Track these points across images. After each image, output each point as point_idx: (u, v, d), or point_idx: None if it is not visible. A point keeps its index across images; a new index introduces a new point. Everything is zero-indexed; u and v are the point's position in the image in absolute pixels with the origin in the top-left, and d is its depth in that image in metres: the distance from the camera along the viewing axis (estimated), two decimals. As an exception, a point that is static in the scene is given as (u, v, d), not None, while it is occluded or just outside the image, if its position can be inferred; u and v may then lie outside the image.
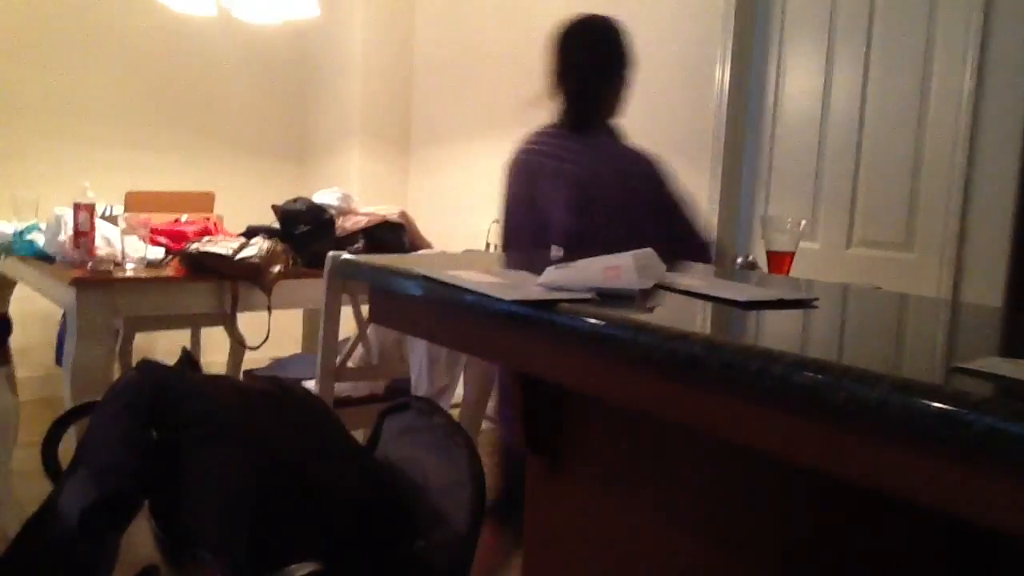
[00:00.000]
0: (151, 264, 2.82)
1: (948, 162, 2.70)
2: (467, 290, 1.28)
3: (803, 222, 1.81)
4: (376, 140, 4.68)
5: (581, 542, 1.64)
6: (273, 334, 2.99)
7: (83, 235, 2.75)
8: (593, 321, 1.12)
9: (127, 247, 2.78)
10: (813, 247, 3.06)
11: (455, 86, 4.47)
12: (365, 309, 2.39)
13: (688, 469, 1.44)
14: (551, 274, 1.27)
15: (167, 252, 2.95)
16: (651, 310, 1.20)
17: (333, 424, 1.22)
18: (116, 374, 2.91)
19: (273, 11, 3.52)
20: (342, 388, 2.72)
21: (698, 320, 1.27)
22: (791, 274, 1.92)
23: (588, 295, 1.21)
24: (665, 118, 3.40)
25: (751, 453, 1.02)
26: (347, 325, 2.64)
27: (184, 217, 3.21)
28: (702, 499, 1.42)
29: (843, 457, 0.90)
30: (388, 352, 2.81)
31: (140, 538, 1.18)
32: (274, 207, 3.14)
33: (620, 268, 1.24)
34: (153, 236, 2.92)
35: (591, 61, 2.18)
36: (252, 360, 3.32)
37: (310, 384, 2.68)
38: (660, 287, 1.33)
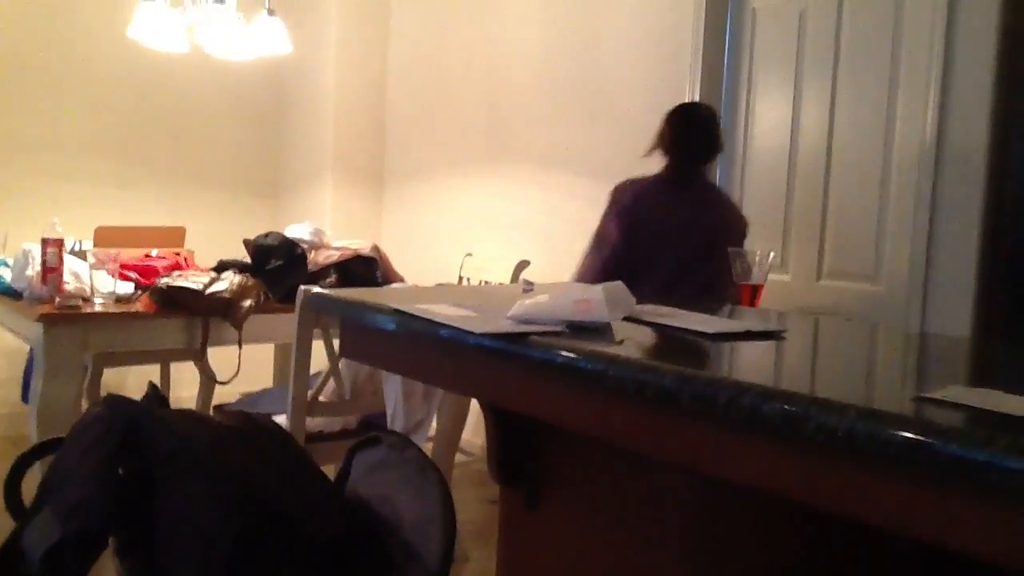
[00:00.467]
0: (120, 299, 2.79)
1: (914, 193, 2.74)
2: (437, 323, 1.28)
3: (771, 254, 1.82)
4: (349, 175, 4.68)
5: (555, 577, 1.63)
6: (244, 369, 2.96)
7: (51, 270, 2.72)
8: (564, 354, 1.13)
9: (96, 282, 2.76)
10: (784, 279, 3.09)
11: (428, 121, 4.50)
12: (337, 343, 2.38)
13: (665, 501, 1.43)
14: (521, 307, 1.27)
15: (137, 287, 2.92)
16: (621, 343, 1.21)
17: (304, 459, 1.21)
18: (84, 411, 2.86)
19: (246, 48, 3.53)
20: (314, 423, 2.69)
21: (668, 352, 1.27)
22: (761, 306, 1.94)
23: (558, 328, 1.22)
24: (635, 150, 3.43)
25: (728, 484, 1.02)
26: (319, 359, 2.62)
27: (155, 252, 3.19)
28: (680, 531, 1.42)
29: (814, 486, 0.91)
30: (361, 386, 2.79)
31: (106, 578, 1.16)
32: (245, 242, 3.13)
33: (591, 301, 1.25)
34: (123, 271, 2.89)
35: (698, 138, 2.76)
36: (222, 395, 3.29)
37: (281, 419, 2.65)
38: (630, 320, 1.34)
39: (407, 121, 4.63)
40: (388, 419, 2.68)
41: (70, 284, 2.75)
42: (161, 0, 3.31)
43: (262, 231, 3.19)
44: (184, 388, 3.84)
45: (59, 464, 1.11)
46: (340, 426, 2.80)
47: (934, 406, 0.86)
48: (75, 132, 4.29)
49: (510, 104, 3.98)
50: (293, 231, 3.24)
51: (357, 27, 4.67)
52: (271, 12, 3.50)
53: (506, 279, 3.40)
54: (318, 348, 2.60)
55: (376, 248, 3.24)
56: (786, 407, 0.87)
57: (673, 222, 2.66)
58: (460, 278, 3.77)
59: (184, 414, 1.21)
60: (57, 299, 2.66)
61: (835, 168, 3.01)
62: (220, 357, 3.05)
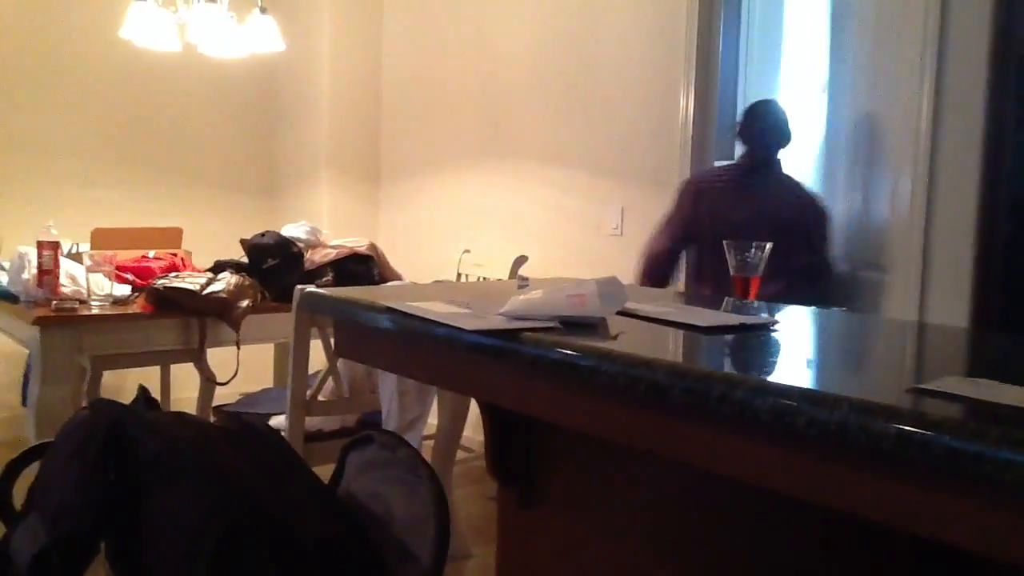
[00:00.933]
0: (117, 301, 2.78)
1: (910, 184, 2.72)
2: (430, 321, 1.27)
3: (767, 246, 1.81)
4: (345, 173, 4.66)
5: (554, 574, 1.62)
6: (243, 369, 2.95)
7: (47, 273, 2.71)
8: (557, 350, 1.12)
9: (92, 284, 2.75)
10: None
11: (424, 118, 4.49)
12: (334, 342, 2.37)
13: (662, 497, 1.43)
14: (514, 303, 1.26)
15: (133, 289, 2.91)
16: (615, 338, 1.20)
17: (294, 460, 1.20)
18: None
19: (239, 46, 3.52)
20: (313, 422, 2.69)
21: (661, 347, 1.26)
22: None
23: (551, 323, 1.20)
24: (630, 145, 3.42)
25: (723, 479, 1.02)
26: (318, 358, 2.61)
27: (151, 253, 3.18)
28: (676, 527, 1.41)
29: (807, 480, 0.90)
30: (359, 385, 2.78)
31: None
32: (242, 241, 3.12)
33: (584, 296, 1.24)
34: (119, 273, 2.88)
35: (774, 128, 2.91)
36: (222, 396, 3.28)
37: (280, 419, 2.64)
38: (623, 314, 1.33)
39: (402, 118, 4.62)
40: (383, 417, 2.67)
41: (66, 287, 2.74)
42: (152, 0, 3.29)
43: (258, 230, 3.18)
44: (184, 390, 3.83)
45: (46, 468, 1.10)
46: (339, 425, 2.80)
47: (928, 397, 0.85)
48: (69, 134, 4.28)
49: (506, 100, 3.97)
50: (289, 230, 3.23)
51: (350, 23, 4.65)
52: (263, 10, 3.49)
53: (504, 275, 3.39)
54: (317, 347, 2.59)
55: (373, 246, 3.23)
56: (779, 400, 0.86)
57: (740, 217, 2.78)
58: (458, 275, 3.76)
59: (171, 416, 1.20)
60: (53, 302, 2.65)
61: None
62: (219, 358, 3.04)
